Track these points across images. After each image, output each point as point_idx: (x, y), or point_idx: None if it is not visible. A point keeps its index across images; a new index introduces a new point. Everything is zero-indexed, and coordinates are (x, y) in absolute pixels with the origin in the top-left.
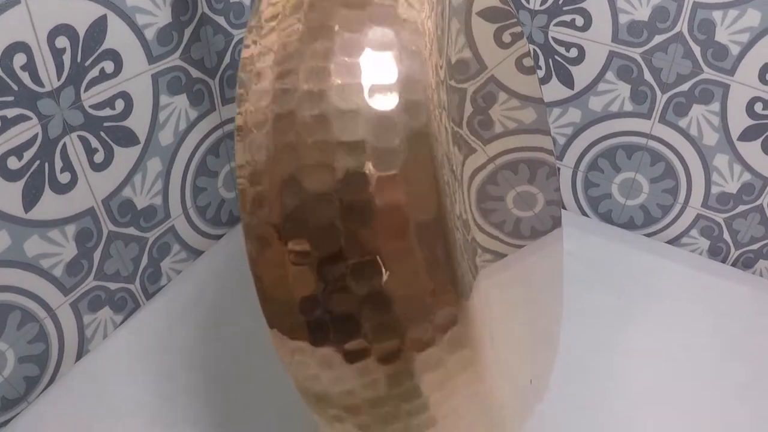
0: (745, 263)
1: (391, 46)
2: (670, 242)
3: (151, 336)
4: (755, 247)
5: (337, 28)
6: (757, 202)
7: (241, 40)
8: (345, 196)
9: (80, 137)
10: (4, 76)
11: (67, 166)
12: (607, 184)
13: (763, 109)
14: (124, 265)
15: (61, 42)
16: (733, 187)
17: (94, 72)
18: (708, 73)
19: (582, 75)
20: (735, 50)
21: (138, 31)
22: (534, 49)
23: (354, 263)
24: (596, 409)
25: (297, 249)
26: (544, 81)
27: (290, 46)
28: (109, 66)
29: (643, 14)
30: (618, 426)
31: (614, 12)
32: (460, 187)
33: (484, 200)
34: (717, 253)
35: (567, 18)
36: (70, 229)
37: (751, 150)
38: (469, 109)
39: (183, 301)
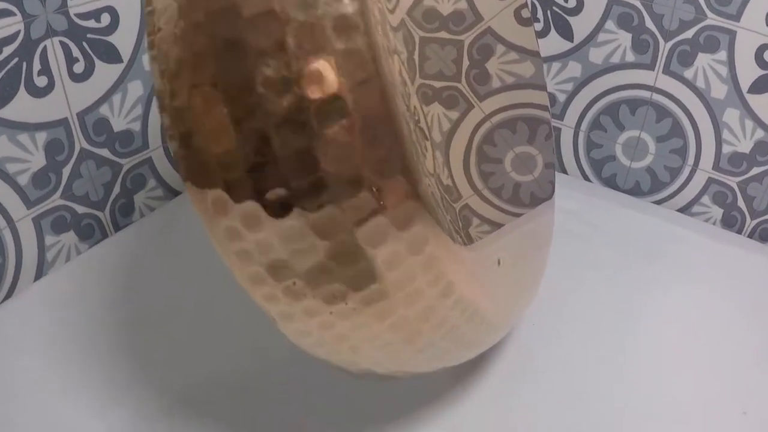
0: (762, 235)
1: None
2: (680, 210)
3: (113, 269)
4: None
5: None
6: None
7: None
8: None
9: (62, 43)
10: None
11: (45, 70)
12: (611, 144)
13: None
14: (95, 189)
15: None
16: (746, 146)
17: None
18: (712, 19)
19: (581, 26)
20: None
21: None
22: (532, 1)
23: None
24: (599, 371)
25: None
26: (542, 34)
27: None
28: None
29: None
30: (621, 394)
31: None
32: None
33: (483, 162)
34: (732, 223)
35: None
36: (41, 137)
37: (763, 103)
38: (466, 62)
39: (152, 240)
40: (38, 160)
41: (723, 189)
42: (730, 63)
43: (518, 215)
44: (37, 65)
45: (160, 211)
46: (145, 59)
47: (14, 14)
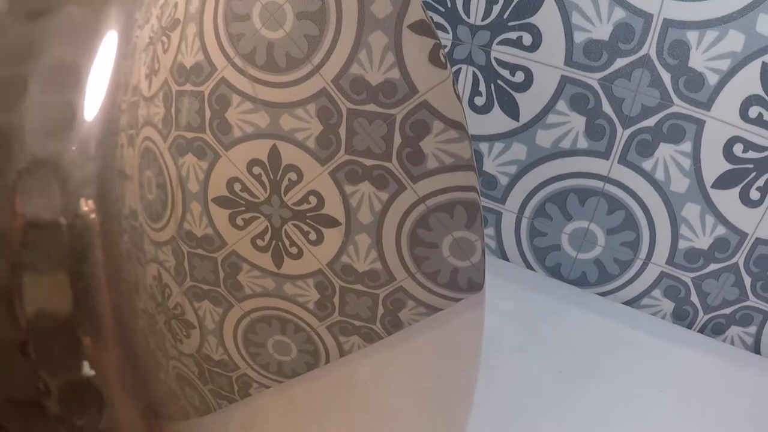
0: (715, 329)
1: None
2: (627, 303)
3: None
4: (727, 311)
5: None
6: (732, 261)
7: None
8: None
9: None
10: None
11: None
12: (556, 233)
13: (744, 151)
14: None
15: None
16: (704, 243)
17: None
18: (679, 106)
19: (529, 104)
20: (713, 79)
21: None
22: (474, 72)
23: None
24: None
25: None
26: (484, 110)
27: None
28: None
29: (602, 33)
30: None
31: (568, 29)
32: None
33: (417, 246)
34: (683, 317)
35: (513, 35)
36: None
37: (727, 199)
38: (398, 139)
39: None
40: None
41: (676, 283)
42: (695, 155)
43: (456, 300)
44: None
45: None
46: None
47: None
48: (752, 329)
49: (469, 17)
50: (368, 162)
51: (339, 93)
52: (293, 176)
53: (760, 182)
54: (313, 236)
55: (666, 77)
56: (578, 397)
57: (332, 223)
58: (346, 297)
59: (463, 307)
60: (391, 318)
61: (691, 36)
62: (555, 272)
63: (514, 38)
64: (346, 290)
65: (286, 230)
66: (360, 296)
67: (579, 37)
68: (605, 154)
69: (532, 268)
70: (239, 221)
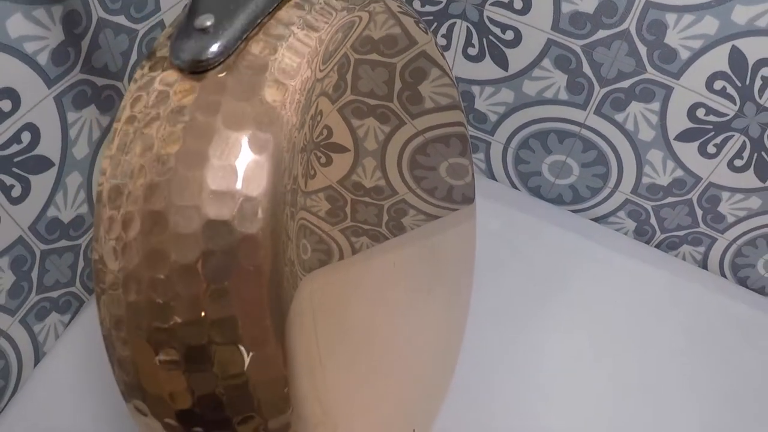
0: (670, 245)
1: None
2: (596, 220)
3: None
4: (681, 233)
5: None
6: (687, 197)
7: (148, 32)
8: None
9: None
10: None
11: None
12: (538, 162)
13: (705, 114)
14: (63, 274)
15: None
16: (664, 181)
17: None
18: (651, 74)
19: (517, 58)
20: (684, 55)
21: (29, 59)
22: (467, 27)
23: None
24: (506, 402)
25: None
26: (476, 59)
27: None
28: (6, 105)
29: (588, 6)
30: (530, 414)
31: (557, 0)
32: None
33: (416, 168)
34: (642, 234)
35: None
36: (4, 262)
37: (686, 150)
38: (398, 84)
39: None
40: (8, 278)
41: (638, 208)
42: (662, 113)
43: (452, 210)
44: None
45: None
46: (76, 151)
47: None
48: (701, 249)
49: None
50: (372, 101)
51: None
52: None
53: (717, 140)
54: (323, 160)
55: (642, 50)
56: (549, 306)
57: (341, 149)
58: (356, 207)
59: (457, 219)
60: (394, 223)
61: (670, 17)
62: (536, 192)
63: (506, 1)
64: (355, 202)
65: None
66: (368, 206)
67: (566, 8)
68: (583, 106)
69: (516, 188)
70: None
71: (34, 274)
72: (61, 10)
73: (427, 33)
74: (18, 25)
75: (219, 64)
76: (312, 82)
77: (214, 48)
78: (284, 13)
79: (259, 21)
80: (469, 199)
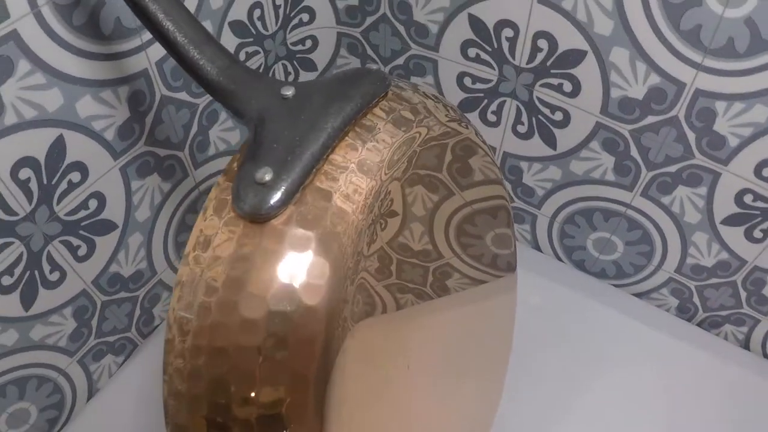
0: (712, 324)
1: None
2: (638, 295)
3: (151, 368)
4: (724, 313)
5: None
6: (731, 279)
7: (207, 105)
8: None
9: (62, 241)
10: None
11: (55, 267)
12: (583, 238)
13: (753, 200)
14: (120, 321)
15: (25, 173)
16: (708, 262)
17: (63, 185)
18: (699, 160)
19: (565, 138)
20: (734, 142)
21: (97, 136)
22: (517, 105)
23: None
24: None
25: None
26: (525, 137)
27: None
28: (75, 176)
29: (637, 93)
30: None
31: (606, 85)
32: None
33: (462, 236)
34: (685, 311)
35: (554, 81)
36: (68, 311)
37: (732, 234)
38: (449, 157)
39: None
40: (70, 325)
41: (681, 287)
42: (709, 198)
43: (497, 277)
44: (46, 267)
45: None
46: (138, 214)
47: (12, 243)
48: (744, 329)
49: (514, 59)
50: (422, 172)
51: None
52: None
53: (765, 225)
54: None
55: (691, 136)
56: (586, 383)
57: (392, 214)
58: (402, 266)
59: (499, 287)
60: (439, 284)
61: (719, 105)
62: (580, 265)
63: (555, 84)
64: (402, 262)
65: None
66: (414, 267)
67: (615, 93)
68: (629, 188)
69: (561, 260)
70: None
71: (94, 322)
72: (127, 90)
73: (468, 128)
74: (87, 106)
75: (279, 215)
76: (369, 209)
77: (273, 202)
78: (339, 158)
79: (315, 169)
80: (512, 267)
